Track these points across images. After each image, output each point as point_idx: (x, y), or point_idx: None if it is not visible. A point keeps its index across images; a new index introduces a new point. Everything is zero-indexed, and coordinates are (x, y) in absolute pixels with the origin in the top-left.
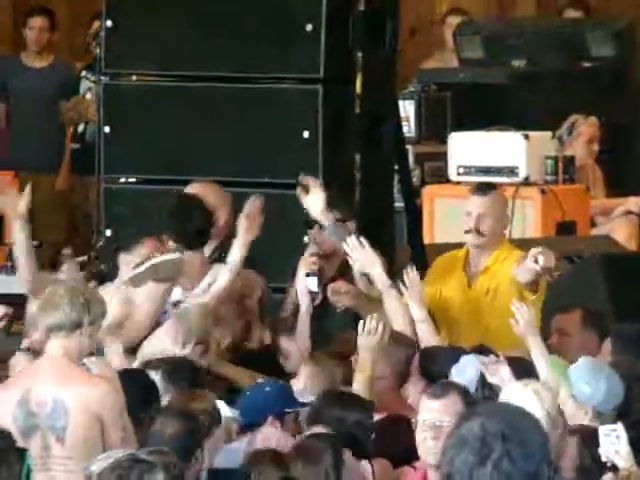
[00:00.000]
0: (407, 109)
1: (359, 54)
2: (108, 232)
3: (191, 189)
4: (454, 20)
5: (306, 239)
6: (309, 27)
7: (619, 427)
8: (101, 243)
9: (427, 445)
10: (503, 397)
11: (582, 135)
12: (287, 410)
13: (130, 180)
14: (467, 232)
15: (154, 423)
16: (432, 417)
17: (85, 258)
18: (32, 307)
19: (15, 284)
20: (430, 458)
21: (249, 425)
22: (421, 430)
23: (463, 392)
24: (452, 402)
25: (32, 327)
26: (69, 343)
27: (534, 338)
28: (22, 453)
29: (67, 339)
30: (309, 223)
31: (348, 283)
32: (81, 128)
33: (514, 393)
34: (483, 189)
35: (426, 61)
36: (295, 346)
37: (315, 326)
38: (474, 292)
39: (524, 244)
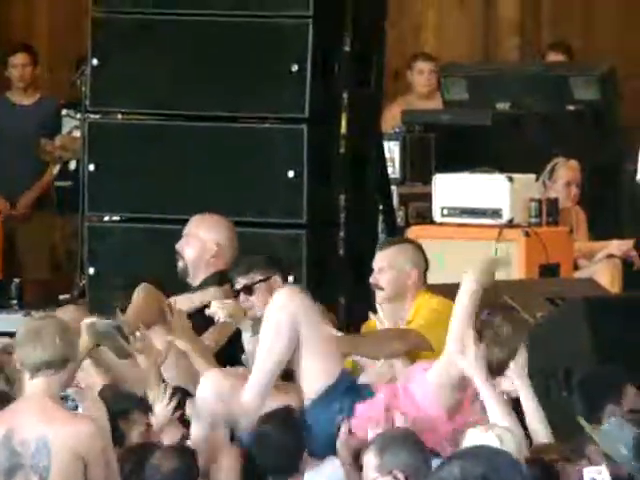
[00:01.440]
0: (392, 150)
1: (344, 94)
2: (91, 270)
3: (199, 219)
4: (421, 65)
5: (290, 278)
6: (295, 67)
7: (603, 469)
8: (84, 281)
9: None
10: (466, 442)
11: (561, 178)
12: None
13: (114, 218)
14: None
15: (151, 457)
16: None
17: (68, 296)
18: None
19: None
20: None
21: None
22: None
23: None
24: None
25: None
26: (53, 381)
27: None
28: None
29: (52, 377)
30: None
31: None
32: (73, 165)
33: (477, 437)
34: (382, 244)
35: (390, 106)
36: None
37: None
38: None
39: (507, 286)
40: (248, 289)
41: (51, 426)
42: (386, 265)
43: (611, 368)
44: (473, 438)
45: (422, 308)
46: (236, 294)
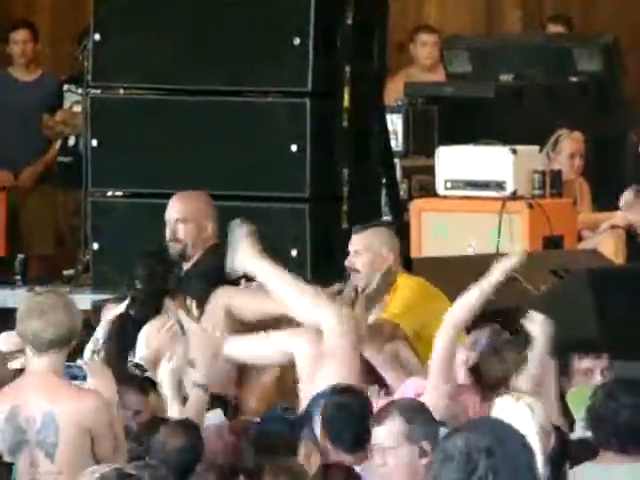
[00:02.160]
0: (395, 123)
1: (347, 68)
2: (95, 245)
3: (174, 200)
4: (424, 37)
5: (294, 252)
6: (297, 41)
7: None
8: (88, 257)
9: (379, 472)
10: (495, 412)
11: (565, 150)
12: None
13: (117, 194)
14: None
15: (157, 434)
16: (376, 443)
17: (72, 272)
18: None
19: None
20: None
21: None
22: (371, 457)
23: (405, 409)
24: (394, 425)
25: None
26: (58, 358)
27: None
28: (9, 468)
29: (58, 354)
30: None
31: None
32: (72, 141)
33: (507, 407)
34: (357, 228)
35: (393, 79)
36: None
37: None
38: None
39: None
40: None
41: (57, 402)
42: (362, 248)
43: None
44: (502, 407)
45: (400, 290)
46: (236, 279)
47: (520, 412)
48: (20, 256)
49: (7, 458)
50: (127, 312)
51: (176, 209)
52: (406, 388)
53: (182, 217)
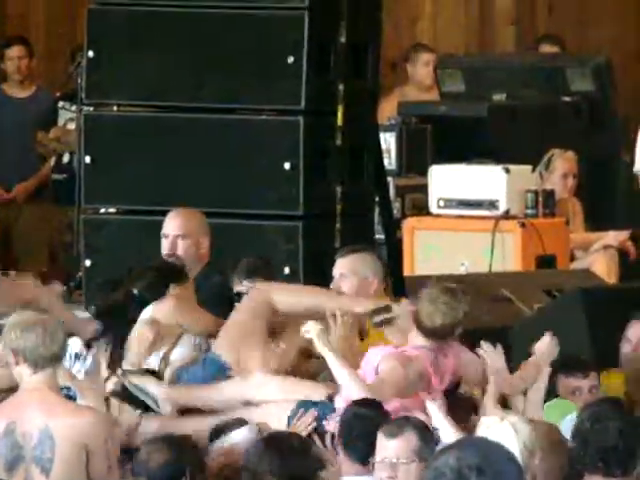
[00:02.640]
0: (388, 141)
1: (340, 86)
2: (88, 262)
3: (174, 215)
4: (426, 57)
5: (287, 270)
6: (291, 59)
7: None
8: (80, 273)
9: None
10: (480, 431)
11: (557, 169)
12: None
13: (110, 210)
14: None
15: (140, 452)
16: (388, 457)
17: (65, 288)
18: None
19: None
20: None
21: None
22: (378, 469)
23: (419, 427)
24: (408, 440)
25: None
26: (54, 374)
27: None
28: None
29: (54, 370)
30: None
31: None
32: (67, 158)
33: (492, 427)
34: (341, 252)
35: (387, 97)
36: None
37: None
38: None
39: (504, 277)
40: None
41: (54, 418)
42: (347, 271)
43: None
44: (487, 426)
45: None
46: (236, 295)
47: (504, 431)
48: (12, 273)
49: (3, 475)
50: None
51: (176, 225)
52: (368, 360)
53: (182, 233)
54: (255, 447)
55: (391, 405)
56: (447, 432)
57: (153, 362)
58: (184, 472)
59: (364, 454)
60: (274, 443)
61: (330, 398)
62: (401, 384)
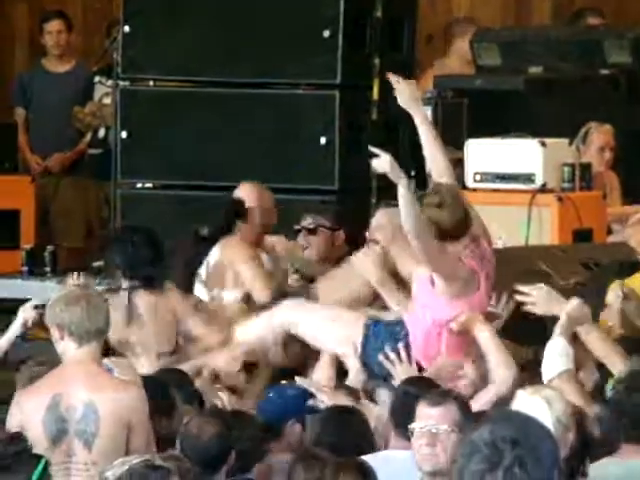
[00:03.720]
0: None
1: (376, 60)
2: None
3: (245, 188)
4: (460, 29)
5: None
6: (326, 33)
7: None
8: None
9: (422, 452)
10: (514, 405)
11: (594, 143)
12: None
13: (147, 185)
14: None
15: (188, 425)
16: (429, 424)
17: (101, 263)
18: None
19: (31, 289)
20: (425, 465)
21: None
22: (417, 437)
23: (461, 401)
24: (449, 410)
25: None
26: (98, 348)
27: None
28: (38, 460)
29: (98, 344)
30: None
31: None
32: (102, 133)
33: (525, 401)
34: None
35: (427, 71)
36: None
37: None
38: None
39: (541, 251)
40: (313, 230)
41: (99, 392)
42: (385, 222)
43: None
44: (521, 400)
45: None
46: (297, 231)
47: (537, 405)
48: (49, 247)
49: (49, 448)
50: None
51: (268, 196)
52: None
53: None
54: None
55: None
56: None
57: None
58: (231, 448)
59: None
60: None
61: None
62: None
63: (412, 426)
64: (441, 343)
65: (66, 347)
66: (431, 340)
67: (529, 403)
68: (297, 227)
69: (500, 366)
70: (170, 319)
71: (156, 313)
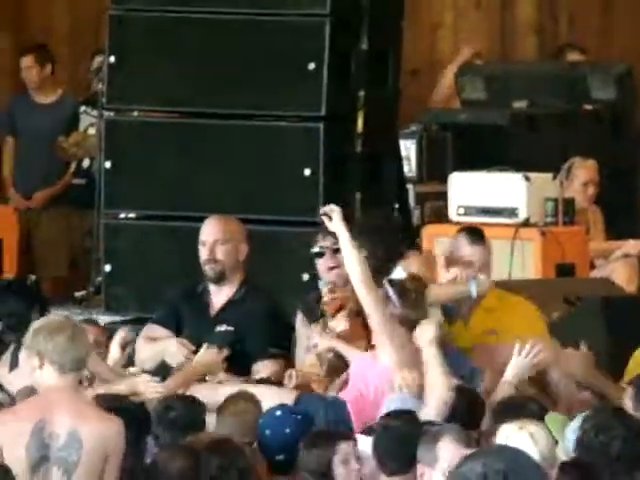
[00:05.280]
0: (408, 148)
1: (361, 93)
2: (107, 267)
3: (212, 221)
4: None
5: (306, 277)
6: (311, 66)
7: None
8: (100, 278)
9: None
10: (499, 439)
11: (578, 178)
12: None
13: (130, 215)
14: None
15: (156, 457)
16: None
17: (84, 293)
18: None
19: None
20: None
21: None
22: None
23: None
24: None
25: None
26: (77, 378)
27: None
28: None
29: (78, 374)
30: (316, 253)
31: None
32: (86, 163)
33: (510, 435)
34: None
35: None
36: None
37: None
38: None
39: (524, 285)
40: (337, 249)
41: (83, 421)
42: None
43: None
44: (507, 435)
45: None
46: (318, 253)
47: (523, 441)
48: (32, 277)
49: (27, 474)
50: None
51: (216, 230)
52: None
53: (222, 238)
54: None
55: None
56: None
57: None
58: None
59: (395, 468)
60: None
61: None
62: None
63: (439, 465)
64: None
65: (45, 375)
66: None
67: (515, 438)
68: (317, 250)
69: (437, 387)
70: None
71: None
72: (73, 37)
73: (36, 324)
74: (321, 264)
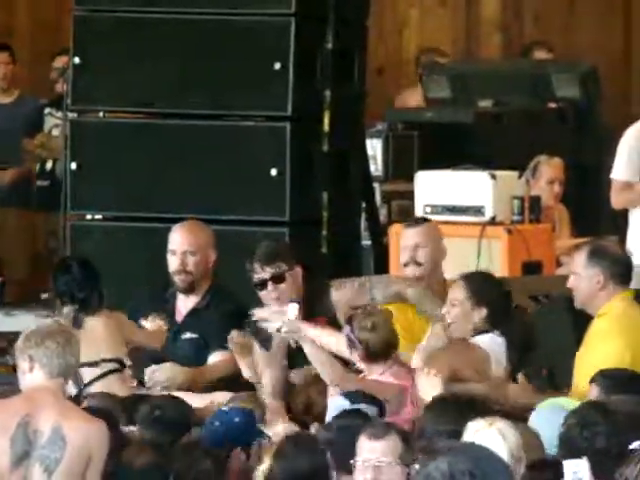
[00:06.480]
0: (374, 147)
1: (327, 92)
2: None
3: (182, 230)
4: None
5: None
6: (277, 65)
7: (583, 462)
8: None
9: None
10: (467, 437)
11: (544, 176)
12: (253, 442)
13: (96, 217)
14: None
15: (122, 455)
16: (373, 457)
17: (49, 295)
18: None
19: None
20: None
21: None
22: (360, 471)
23: (402, 434)
24: (392, 443)
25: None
26: (66, 383)
27: None
28: None
29: (67, 380)
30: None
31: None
32: (50, 165)
33: (479, 432)
34: (409, 222)
35: (410, 91)
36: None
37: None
38: None
39: None
40: (278, 278)
41: (68, 420)
42: (424, 241)
43: None
44: (475, 430)
45: None
46: (259, 284)
47: (491, 437)
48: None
49: (8, 469)
50: None
51: (187, 241)
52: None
53: (193, 249)
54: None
55: None
56: None
57: None
58: (168, 475)
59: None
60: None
61: None
62: None
63: (355, 460)
64: None
65: (34, 379)
66: None
67: (484, 435)
68: (256, 282)
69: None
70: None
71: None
72: (34, 37)
73: (29, 329)
74: (264, 295)
